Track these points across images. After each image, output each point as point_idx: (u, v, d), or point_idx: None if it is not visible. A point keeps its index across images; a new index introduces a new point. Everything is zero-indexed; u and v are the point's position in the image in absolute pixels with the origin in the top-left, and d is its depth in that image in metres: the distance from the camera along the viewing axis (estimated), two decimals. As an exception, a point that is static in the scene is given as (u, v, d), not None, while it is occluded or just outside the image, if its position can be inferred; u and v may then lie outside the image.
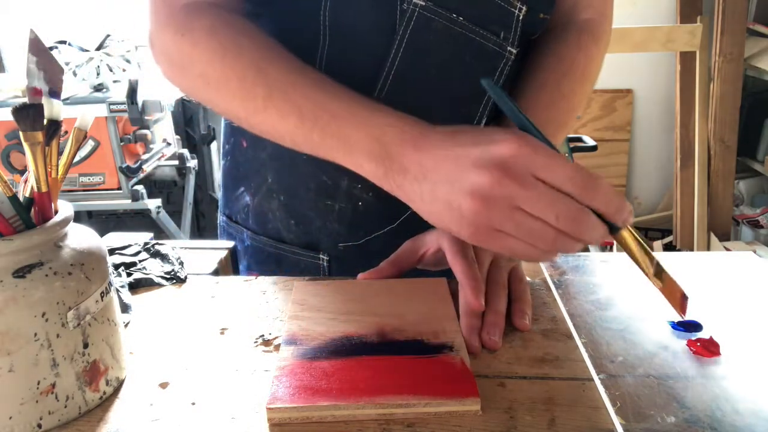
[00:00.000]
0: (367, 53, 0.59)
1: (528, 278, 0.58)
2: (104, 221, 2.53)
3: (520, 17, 0.61)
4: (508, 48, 0.61)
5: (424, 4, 0.57)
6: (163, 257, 0.64)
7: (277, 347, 0.48)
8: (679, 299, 0.45)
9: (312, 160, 0.60)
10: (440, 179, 0.43)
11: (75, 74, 2.27)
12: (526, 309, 0.52)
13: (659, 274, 0.45)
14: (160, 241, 0.66)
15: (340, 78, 0.59)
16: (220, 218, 0.77)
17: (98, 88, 2.29)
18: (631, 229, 0.43)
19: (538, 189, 0.40)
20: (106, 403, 0.43)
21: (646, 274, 0.45)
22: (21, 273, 0.38)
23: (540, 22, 0.65)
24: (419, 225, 0.60)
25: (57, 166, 0.44)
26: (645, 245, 0.44)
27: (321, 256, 0.66)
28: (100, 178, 2.26)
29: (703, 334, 0.48)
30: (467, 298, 0.50)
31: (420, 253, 0.57)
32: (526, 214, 0.41)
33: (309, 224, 0.66)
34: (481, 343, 0.48)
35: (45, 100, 0.43)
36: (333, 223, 0.65)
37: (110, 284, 0.44)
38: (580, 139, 1.98)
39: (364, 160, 0.46)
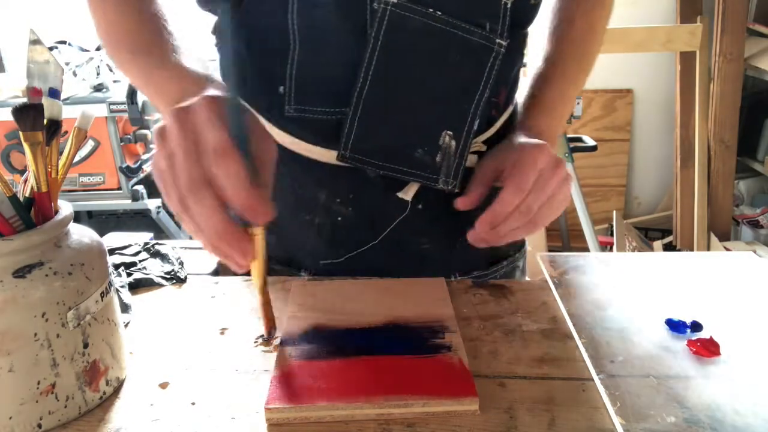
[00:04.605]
0: (340, 56, 0.56)
1: (528, 278, 0.58)
2: (104, 221, 2.53)
3: (508, 5, 0.57)
4: (497, 41, 0.58)
5: (396, 1, 0.54)
6: (163, 257, 0.64)
7: (277, 347, 0.48)
8: (268, 322, 0.48)
9: (288, 172, 0.59)
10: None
11: (75, 74, 2.27)
12: (495, 220, 0.53)
13: (264, 289, 0.47)
14: (160, 241, 0.66)
15: (314, 82, 0.58)
16: None
17: (98, 88, 2.28)
18: (262, 235, 0.44)
19: (186, 141, 0.41)
20: (106, 403, 0.43)
21: (256, 287, 0.47)
22: (21, 273, 0.38)
23: (531, 9, 0.62)
24: (402, 242, 0.59)
25: (57, 166, 0.44)
26: (263, 264, 0.46)
27: (302, 274, 0.65)
28: (100, 178, 2.26)
29: (703, 334, 0.48)
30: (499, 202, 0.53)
31: (501, 170, 0.57)
32: (173, 158, 0.41)
33: (288, 240, 0.64)
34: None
35: (45, 100, 0.43)
36: (312, 239, 0.63)
37: (110, 284, 0.44)
38: (580, 139, 1.97)
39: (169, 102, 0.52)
